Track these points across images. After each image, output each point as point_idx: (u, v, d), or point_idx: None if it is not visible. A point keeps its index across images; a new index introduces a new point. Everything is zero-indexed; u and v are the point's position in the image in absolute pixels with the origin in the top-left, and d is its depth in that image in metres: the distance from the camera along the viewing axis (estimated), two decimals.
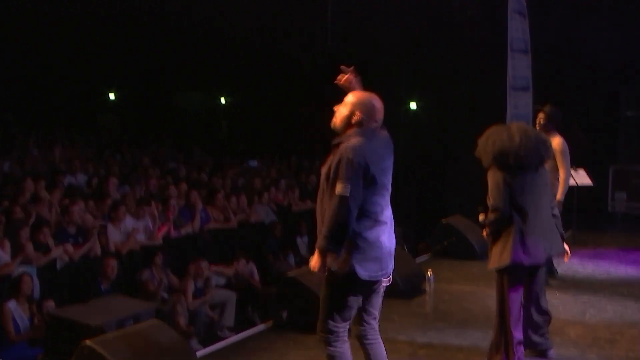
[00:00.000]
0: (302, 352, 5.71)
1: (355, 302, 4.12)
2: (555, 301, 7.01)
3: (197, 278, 8.52)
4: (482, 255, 9.25)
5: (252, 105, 20.88)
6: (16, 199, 8.94)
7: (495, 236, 5.04)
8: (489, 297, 7.26)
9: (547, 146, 5.20)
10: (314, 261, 4.03)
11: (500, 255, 4.99)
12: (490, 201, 5.03)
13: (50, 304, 7.10)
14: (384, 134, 4.25)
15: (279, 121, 19.96)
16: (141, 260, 8.75)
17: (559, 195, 7.30)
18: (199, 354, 5.85)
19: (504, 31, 10.73)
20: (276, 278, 8.78)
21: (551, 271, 7.81)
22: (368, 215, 4.03)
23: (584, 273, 8.69)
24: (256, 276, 9.67)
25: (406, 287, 7.28)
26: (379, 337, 4.27)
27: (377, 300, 4.25)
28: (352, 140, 4.05)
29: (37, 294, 7.42)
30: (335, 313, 4.08)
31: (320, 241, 3.99)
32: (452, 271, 8.45)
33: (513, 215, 4.96)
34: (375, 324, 4.26)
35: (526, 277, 5.14)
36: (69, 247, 8.09)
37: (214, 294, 8.67)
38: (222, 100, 22.84)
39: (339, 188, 3.94)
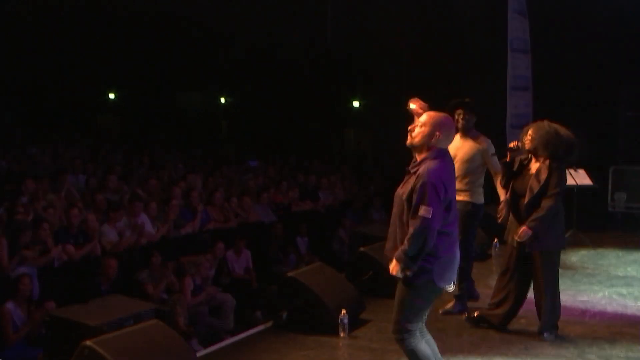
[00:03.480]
0: (302, 352, 5.71)
1: (428, 305, 4.61)
2: None
3: (196, 276, 8.53)
4: (480, 255, 9.25)
5: (252, 105, 20.88)
6: (16, 199, 8.94)
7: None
8: (489, 297, 7.27)
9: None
10: (393, 268, 4.43)
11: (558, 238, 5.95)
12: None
13: (50, 304, 7.09)
14: (449, 152, 4.59)
15: (279, 121, 19.97)
16: (140, 260, 8.74)
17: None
18: (199, 354, 5.85)
19: (504, 31, 10.73)
20: (276, 278, 8.78)
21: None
22: (446, 232, 4.42)
23: (584, 273, 8.69)
24: (251, 266, 9.70)
25: None
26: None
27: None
28: (431, 164, 4.39)
29: (36, 294, 7.41)
30: (411, 315, 4.51)
31: (399, 254, 4.37)
32: None
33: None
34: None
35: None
36: (70, 248, 8.08)
37: (213, 294, 8.67)
38: (222, 100, 22.85)
39: (422, 210, 4.29)
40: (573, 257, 9.67)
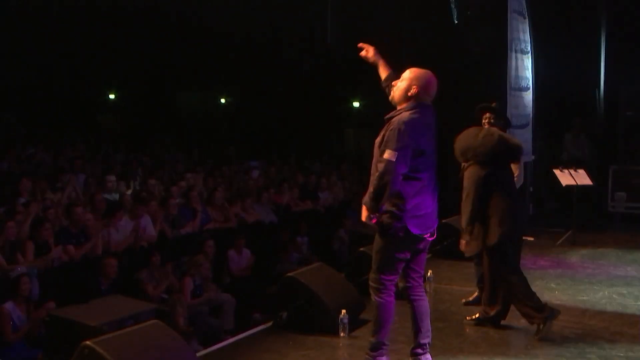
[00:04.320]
0: (302, 352, 5.71)
1: (404, 256, 4.69)
2: (556, 301, 7.01)
3: (196, 276, 8.53)
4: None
5: (252, 105, 20.88)
6: (17, 199, 8.93)
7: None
8: None
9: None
10: (363, 215, 4.63)
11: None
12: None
13: (50, 304, 7.09)
14: (430, 106, 4.76)
15: (279, 121, 19.97)
16: (140, 260, 8.74)
17: None
18: (199, 354, 5.85)
19: (504, 31, 10.73)
20: (276, 278, 8.78)
21: None
22: (417, 178, 4.57)
23: (584, 273, 8.69)
24: (251, 265, 9.71)
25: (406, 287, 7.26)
26: (424, 293, 4.97)
27: (422, 259, 4.93)
28: (405, 114, 4.58)
29: (36, 294, 7.41)
30: (386, 266, 4.65)
31: (366, 198, 4.59)
32: (452, 271, 8.44)
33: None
34: (420, 281, 4.93)
35: None
36: (70, 248, 8.08)
37: (214, 295, 8.67)
38: (222, 100, 22.86)
39: (386, 154, 4.48)
40: (573, 257, 9.67)
